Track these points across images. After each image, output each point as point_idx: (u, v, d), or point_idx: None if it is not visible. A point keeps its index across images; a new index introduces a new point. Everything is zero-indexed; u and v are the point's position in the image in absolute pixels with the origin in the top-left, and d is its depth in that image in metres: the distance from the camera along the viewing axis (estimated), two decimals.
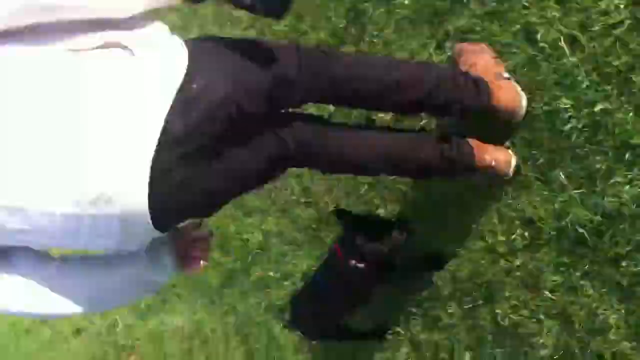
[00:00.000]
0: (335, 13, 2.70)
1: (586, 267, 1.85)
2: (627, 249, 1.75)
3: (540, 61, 1.90)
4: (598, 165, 1.79)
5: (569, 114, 1.84)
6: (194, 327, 3.91)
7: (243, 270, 3.61)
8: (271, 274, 3.41)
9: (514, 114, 1.90)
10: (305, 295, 2.34)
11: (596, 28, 1.77)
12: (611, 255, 1.78)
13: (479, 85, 1.81)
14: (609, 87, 1.75)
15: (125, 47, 1.39)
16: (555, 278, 1.94)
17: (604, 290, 1.81)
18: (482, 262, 2.16)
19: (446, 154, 1.81)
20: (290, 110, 1.72)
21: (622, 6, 1.71)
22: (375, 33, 2.50)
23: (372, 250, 1.96)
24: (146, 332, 4.35)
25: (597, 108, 1.77)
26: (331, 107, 2.50)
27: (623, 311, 1.77)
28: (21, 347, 6.51)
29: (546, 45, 1.89)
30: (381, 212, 2.48)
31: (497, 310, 2.11)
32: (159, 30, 1.48)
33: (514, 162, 1.95)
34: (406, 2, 2.36)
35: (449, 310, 2.29)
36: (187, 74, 1.38)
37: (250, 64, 1.49)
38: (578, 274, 1.87)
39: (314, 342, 2.89)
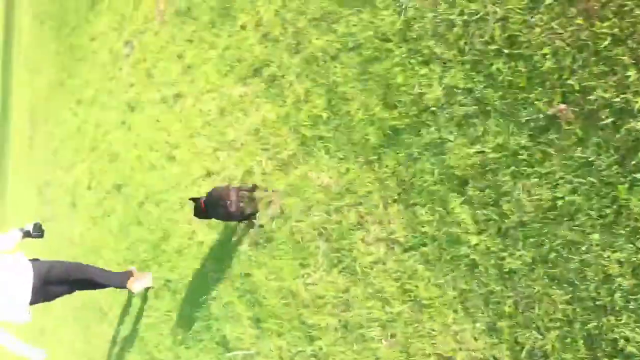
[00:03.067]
0: None
1: None
2: None
3: None
4: None
5: None
6: (343, 186, 3.47)
7: (411, 128, 3.07)
8: (449, 137, 2.87)
9: None
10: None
11: None
12: None
13: None
14: None
15: None
16: None
17: None
18: None
19: None
20: None
21: None
22: None
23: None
24: (287, 183, 3.97)
25: None
26: None
27: None
28: (146, 182, 6.49)
29: None
30: None
31: None
32: None
33: None
34: None
35: None
36: None
37: None
38: None
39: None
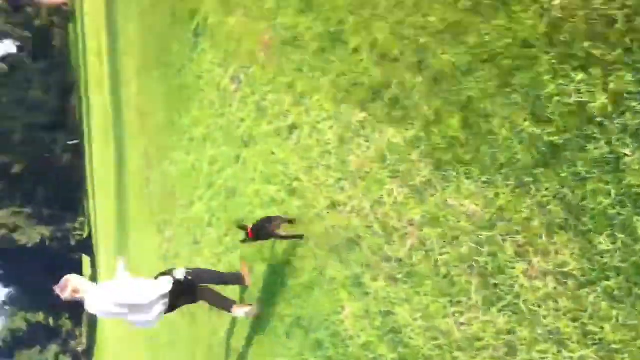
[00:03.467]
0: None
1: None
2: None
3: None
4: None
5: None
6: (493, 214, 3.10)
7: (573, 143, 2.67)
8: (625, 151, 2.45)
9: None
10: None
11: None
12: None
13: None
14: None
15: None
16: None
17: None
18: None
19: None
20: None
21: None
22: None
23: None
24: (423, 212, 3.65)
25: None
26: None
27: None
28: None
29: None
30: None
31: None
32: None
33: None
34: None
35: None
36: None
37: None
38: None
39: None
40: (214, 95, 8.66)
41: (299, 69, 5.55)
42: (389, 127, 4.05)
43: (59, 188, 50.75)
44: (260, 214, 6.89)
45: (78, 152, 50.19)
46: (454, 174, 3.41)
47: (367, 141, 4.37)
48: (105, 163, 27.91)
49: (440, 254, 3.53)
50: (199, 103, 9.64)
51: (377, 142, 4.21)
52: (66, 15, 51.11)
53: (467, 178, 3.32)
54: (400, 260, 3.93)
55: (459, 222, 3.38)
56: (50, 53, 54.62)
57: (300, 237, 5.49)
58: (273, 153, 6.43)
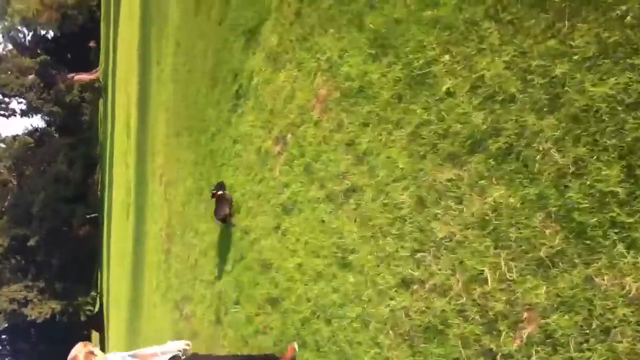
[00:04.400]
0: None
1: None
2: None
3: None
4: None
5: None
6: None
7: None
8: None
9: None
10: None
11: None
12: None
13: None
14: None
15: None
16: None
17: None
18: None
19: None
20: None
21: None
22: None
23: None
24: (550, 294, 2.77)
25: None
26: None
27: None
28: (311, 295, 5.48)
29: None
30: None
31: None
32: None
33: None
34: None
35: None
36: None
37: None
38: None
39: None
40: (252, 159, 7.96)
41: (365, 123, 4.81)
42: (496, 184, 3.23)
43: (74, 261, 50.07)
44: (302, 290, 6.00)
45: (96, 225, 49.82)
46: (606, 242, 2.55)
47: (460, 203, 3.54)
48: (124, 236, 27.22)
49: (579, 351, 2.62)
50: (234, 169, 8.94)
51: (477, 204, 3.38)
52: (98, 91, 52.05)
53: (628, 248, 2.46)
54: (511, 356, 3.00)
55: (613, 307, 2.49)
56: (79, 128, 55.44)
57: None
58: (323, 221, 5.61)
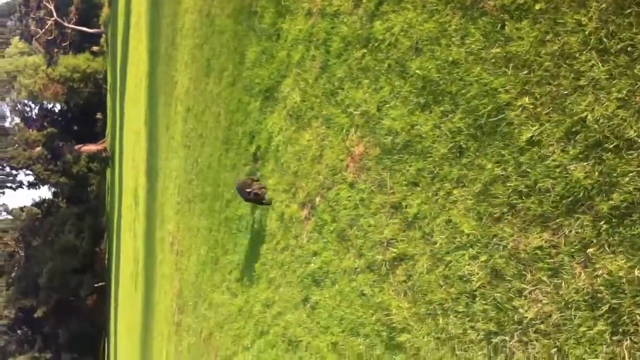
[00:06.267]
0: None
1: None
2: None
3: None
4: None
5: None
6: None
7: None
8: None
9: None
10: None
11: None
12: None
13: None
14: None
15: None
16: None
17: None
18: None
19: None
20: None
21: None
22: None
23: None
24: None
25: None
26: None
27: None
28: None
29: None
30: None
31: None
32: None
33: None
34: None
35: None
36: None
37: None
38: None
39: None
40: (274, 226, 7.31)
41: (414, 183, 4.19)
42: (611, 253, 2.57)
43: (81, 332, 48.89)
44: None
45: (103, 295, 48.87)
46: None
47: (556, 276, 2.87)
48: (132, 307, 26.32)
49: None
50: (253, 238, 8.29)
51: (583, 278, 2.71)
52: (105, 161, 52.02)
53: None
54: None
55: None
56: (86, 198, 55.25)
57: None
58: (363, 294, 4.92)
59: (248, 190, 7.41)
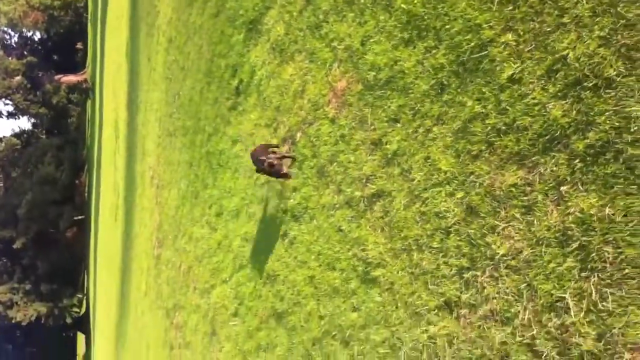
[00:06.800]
0: None
1: None
2: None
3: None
4: None
5: None
6: None
7: None
8: None
9: None
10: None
11: None
12: None
13: None
14: None
15: None
16: None
17: None
18: None
19: None
20: None
21: None
22: None
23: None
24: None
25: None
26: None
27: None
28: (325, 312, 4.82)
29: None
30: None
31: None
32: None
33: None
34: None
35: None
36: None
37: None
38: None
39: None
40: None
41: (395, 119, 4.17)
42: (584, 192, 2.60)
43: (61, 263, 49.15)
44: (314, 306, 5.36)
45: (83, 227, 48.95)
46: None
47: (528, 213, 2.91)
48: (111, 240, 26.41)
49: None
50: (233, 172, 8.27)
51: (555, 216, 2.75)
52: (85, 92, 51.10)
53: None
54: None
55: None
56: (66, 129, 54.53)
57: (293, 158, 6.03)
58: (340, 230, 4.97)
59: (262, 158, 5.78)
